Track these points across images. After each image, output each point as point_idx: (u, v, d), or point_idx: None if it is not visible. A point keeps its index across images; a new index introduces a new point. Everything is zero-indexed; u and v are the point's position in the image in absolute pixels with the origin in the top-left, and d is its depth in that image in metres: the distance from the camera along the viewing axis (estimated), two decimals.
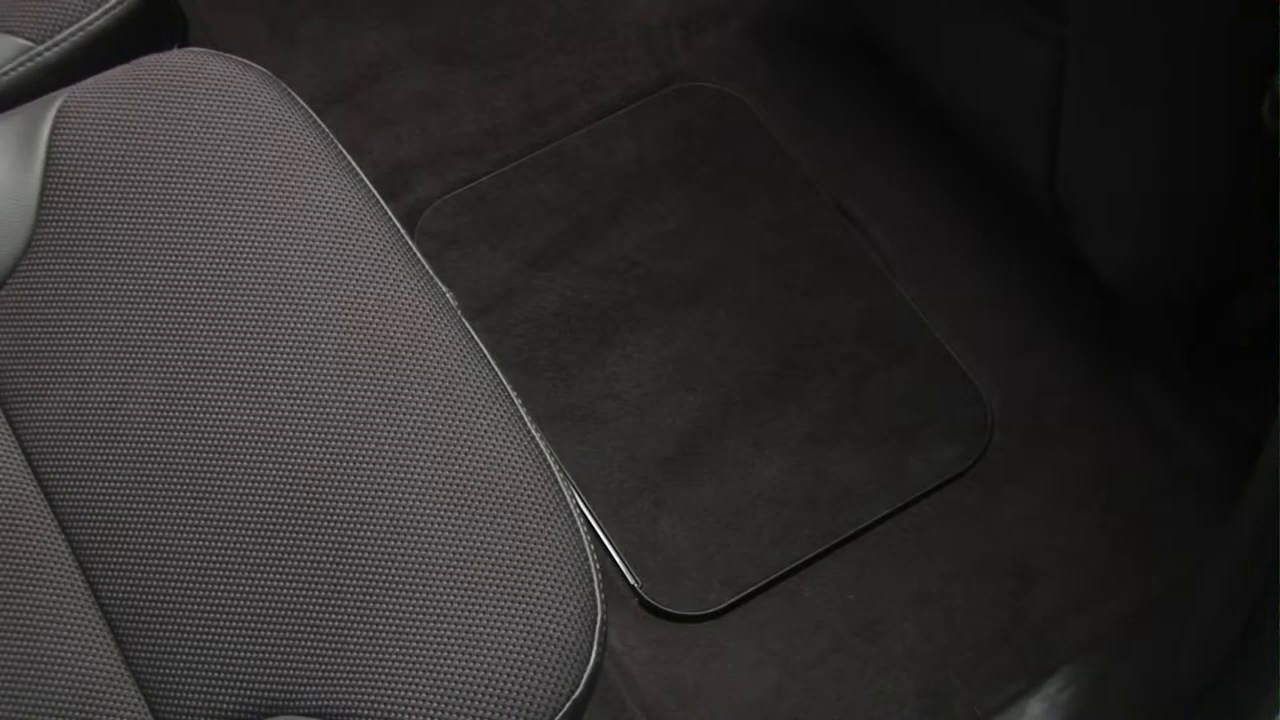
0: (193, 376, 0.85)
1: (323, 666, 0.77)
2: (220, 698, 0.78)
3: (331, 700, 0.77)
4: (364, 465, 0.81)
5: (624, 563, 1.16)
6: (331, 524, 0.80)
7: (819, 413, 1.23)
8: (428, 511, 0.80)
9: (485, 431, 0.82)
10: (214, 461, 0.83)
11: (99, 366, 0.86)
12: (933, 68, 1.19)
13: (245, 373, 0.84)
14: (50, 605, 0.82)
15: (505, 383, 0.85)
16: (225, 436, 0.83)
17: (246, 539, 0.81)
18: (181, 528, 0.82)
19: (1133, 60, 0.90)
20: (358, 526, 0.80)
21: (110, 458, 0.84)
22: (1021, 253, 1.28)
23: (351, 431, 0.82)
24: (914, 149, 1.34)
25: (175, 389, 0.85)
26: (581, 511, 0.83)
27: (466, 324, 0.87)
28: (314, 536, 0.80)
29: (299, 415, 0.83)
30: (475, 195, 1.34)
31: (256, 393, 0.84)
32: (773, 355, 1.26)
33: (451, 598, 0.78)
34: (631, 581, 1.15)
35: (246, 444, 0.83)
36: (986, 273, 1.28)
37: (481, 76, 1.40)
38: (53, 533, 0.84)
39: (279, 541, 0.80)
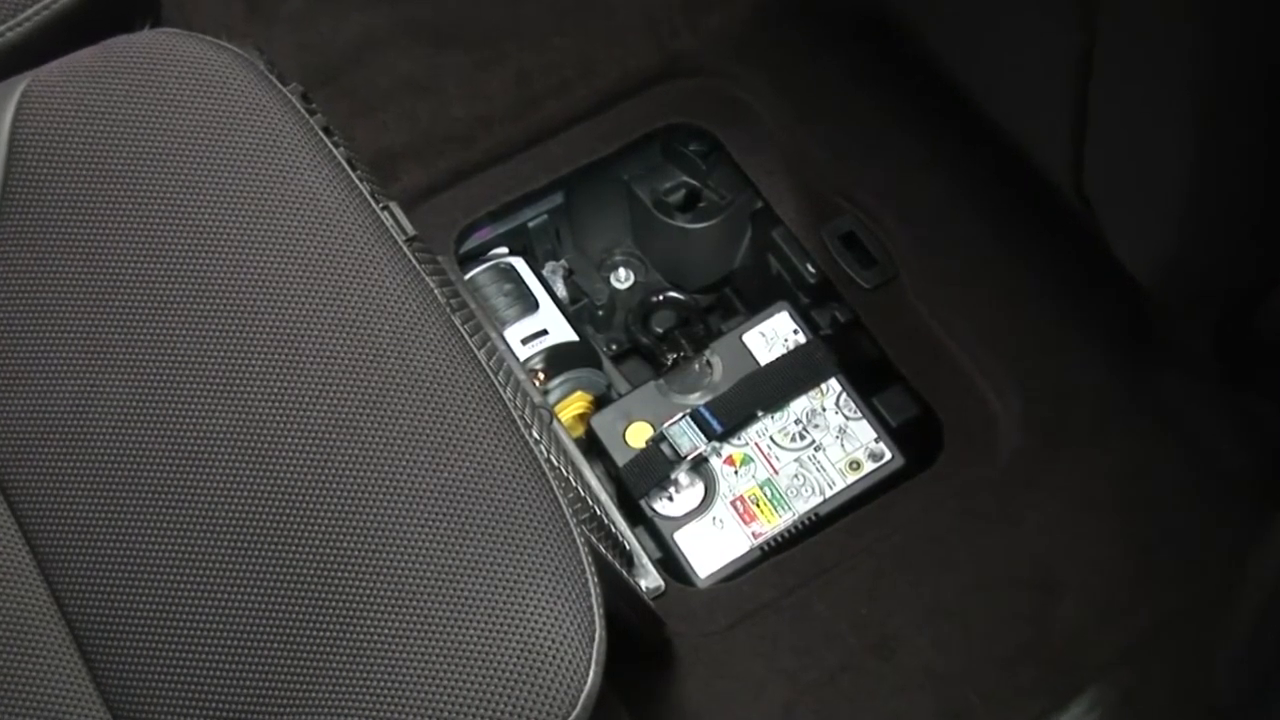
0: (165, 379, 0.85)
1: (304, 687, 0.77)
2: None
3: None
4: (348, 472, 0.81)
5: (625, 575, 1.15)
6: (313, 535, 0.80)
7: None
8: (415, 521, 0.80)
9: (476, 436, 0.82)
10: (188, 469, 0.83)
11: (65, 368, 0.86)
12: (950, 51, 1.19)
13: (221, 374, 0.84)
14: (14, 622, 0.82)
15: (498, 384, 0.85)
16: (200, 442, 0.83)
17: (222, 551, 0.80)
18: (153, 539, 0.82)
19: (1167, 43, 0.90)
20: (341, 538, 0.80)
21: (78, 465, 0.84)
22: (1044, 247, 1.27)
23: (334, 436, 0.82)
24: (928, 136, 1.33)
25: (147, 392, 0.85)
26: (579, 521, 0.82)
27: (457, 322, 0.87)
28: (294, 549, 0.80)
29: (278, 419, 0.83)
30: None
31: (233, 396, 0.84)
32: None
33: (440, 614, 0.78)
34: None
35: (222, 450, 0.83)
36: (1006, 267, 1.27)
37: (473, 59, 1.39)
38: (16, 545, 0.84)
39: (257, 554, 0.80)
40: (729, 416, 1.22)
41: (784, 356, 1.25)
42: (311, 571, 0.79)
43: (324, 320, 0.85)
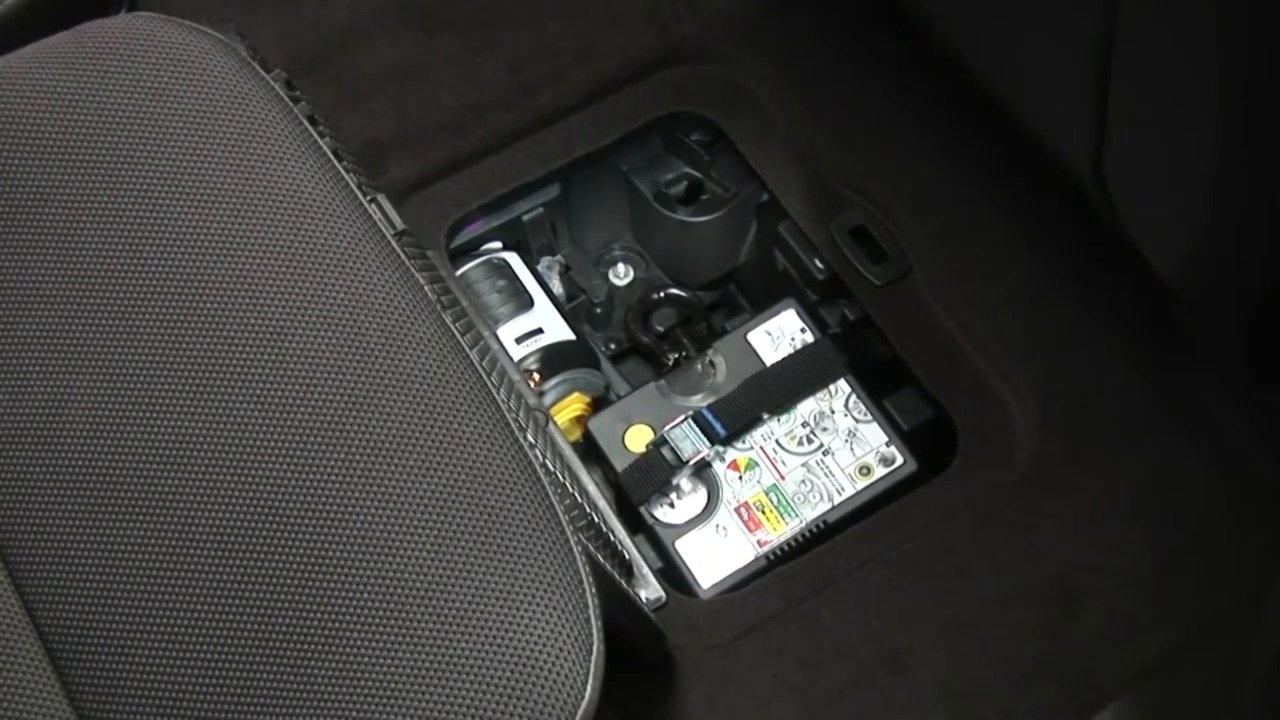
0: (142, 379, 0.85)
1: (285, 702, 0.77)
2: None
3: None
4: (333, 477, 0.81)
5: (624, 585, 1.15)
6: (296, 543, 0.80)
7: None
8: (404, 529, 0.80)
9: (468, 439, 0.82)
10: (166, 473, 0.82)
11: (37, 367, 0.86)
12: (964, 36, 1.19)
13: (201, 374, 0.84)
14: None
15: (490, 385, 0.85)
16: (179, 445, 0.83)
17: (202, 559, 0.80)
18: (130, 547, 0.82)
19: (1192, 23, 0.90)
20: (326, 545, 0.80)
21: (50, 469, 0.84)
22: (1063, 241, 1.27)
23: (319, 439, 0.82)
24: (942, 125, 1.33)
25: (123, 392, 0.85)
26: (576, 529, 0.82)
27: (448, 320, 0.87)
28: (277, 556, 0.80)
29: (261, 421, 0.83)
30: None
31: (213, 397, 0.84)
32: None
33: (430, 625, 0.77)
34: None
35: (202, 453, 0.82)
36: (1024, 263, 1.27)
37: (464, 45, 1.39)
38: None
39: (238, 562, 0.80)
40: (733, 419, 1.21)
41: (791, 356, 1.24)
42: (294, 580, 0.79)
43: (309, 318, 0.85)
